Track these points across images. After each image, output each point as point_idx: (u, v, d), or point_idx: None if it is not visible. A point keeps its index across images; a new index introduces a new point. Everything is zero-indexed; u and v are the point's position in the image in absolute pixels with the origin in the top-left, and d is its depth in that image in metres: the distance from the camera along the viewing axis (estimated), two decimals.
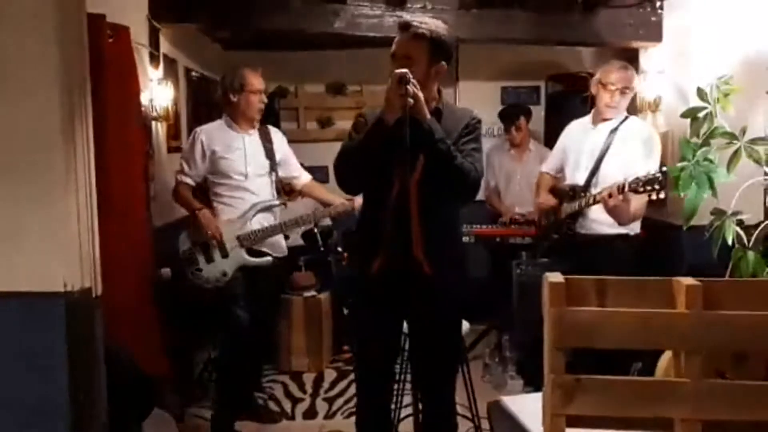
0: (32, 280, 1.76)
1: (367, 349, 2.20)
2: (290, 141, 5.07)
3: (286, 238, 4.21)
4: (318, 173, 5.01)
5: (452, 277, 2.12)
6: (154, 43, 3.48)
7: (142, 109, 3.16)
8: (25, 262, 1.76)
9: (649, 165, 2.75)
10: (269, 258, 3.08)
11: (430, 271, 2.04)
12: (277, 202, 3.17)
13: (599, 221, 2.86)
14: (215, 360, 3.36)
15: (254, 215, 3.05)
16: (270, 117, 4.89)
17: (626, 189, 2.59)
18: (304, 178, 3.35)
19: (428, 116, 1.95)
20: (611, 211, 2.70)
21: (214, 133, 3.05)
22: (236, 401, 3.02)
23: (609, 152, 2.88)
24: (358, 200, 3.11)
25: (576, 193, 2.92)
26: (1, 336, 1.81)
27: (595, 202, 2.76)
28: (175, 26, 3.67)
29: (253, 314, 3.02)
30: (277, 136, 3.23)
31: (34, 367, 1.80)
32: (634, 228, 2.93)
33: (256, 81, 3.04)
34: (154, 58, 3.48)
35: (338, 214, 3.17)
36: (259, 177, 3.08)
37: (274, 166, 3.14)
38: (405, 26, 2.03)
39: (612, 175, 2.81)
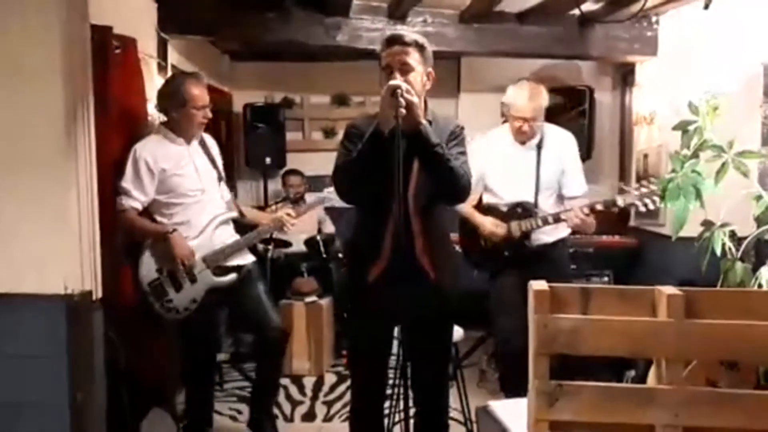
0: (33, 283, 1.82)
1: (364, 354, 2.25)
2: (295, 150, 5.22)
3: (288, 245, 4.29)
4: (322, 182, 5.12)
5: (452, 281, 2.21)
6: (162, 54, 3.57)
7: (149, 118, 3.23)
8: (27, 265, 1.82)
9: (576, 169, 2.98)
10: (234, 275, 2.83)
11: (434, 276, 2.12)
12: (235, 214, 2.95)
13: (542, 231, 2.98)
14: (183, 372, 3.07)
15: (214, 231, 2.82)
16: (278, 126, 5.02)
17: (615, 205, 2.68)
18: (226, 196, 3.03)
19: (423, 122, 2.00)
20: (580, 227, 2.84)
21: (156, 150, 2.74)
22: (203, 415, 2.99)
23: (543, 166, 2.99)
24: (287, 218, 2.95)
25: (526, 210, 2.99)
26: (2, 337, 1.86)
27: (558, 220, 2.90)
28: (183, 38, 3.76)
29: (257, 325, 2.96)
30: (213, 144, 2.98)
31: (34, 367, 1.86)
32: (565, 231, 3.08)
33: (200, 95, 2.77)
34: (162, 69, 3.57)
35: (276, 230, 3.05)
36: (211, 190, 2.86)
37: (220, 175, 2.92)
38: (396, 37, 2.09)
39: (549, 185, 2.98)
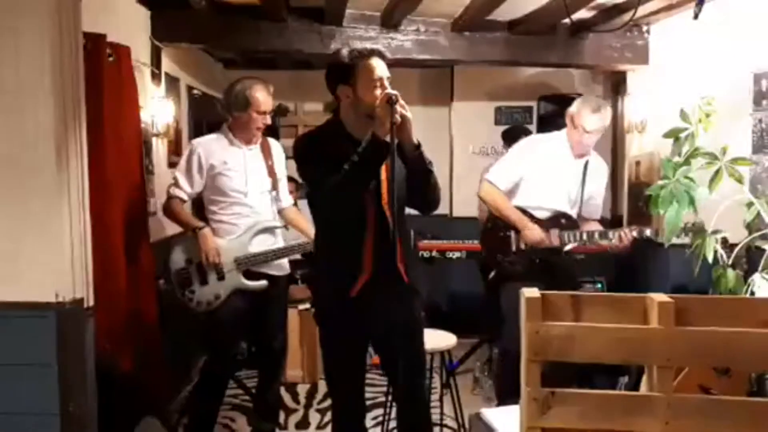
0: (25, 291, 1.81)
1: (346, 370, 2.22)
2: (289, 157, 5.21)
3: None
4: None
5: (419, 282, 2.23)
6: (155, 62, 3.58)
7: (142, 126, 3.23)
8: (18, 273, 1.82)
9: (602, 195, 3.11)
10: (264, 282, 2.87)
11: (407, 279, 2.13)
12: (279, 224, 2.97)
13: None
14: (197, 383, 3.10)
15: (254, 236, 2.85)
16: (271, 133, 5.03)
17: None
18: (286, 202, 3.07)
19: (415, 140, 2.02)
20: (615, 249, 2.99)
21: (212, 147, 2.84)
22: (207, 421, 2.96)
23: (586, 184, 3.05)
24: None
25: (570, 221, 3.04)
26: None
27: (604, 237, 2.99)
28: (176, 46, 3.77)
29: (259, 338, 3.03)
30: (277, 151, 3.01)
31: (25, 376, 1.84)
32: None
33: (263, 101, 2.80)
34: (155, 77, 3.57)
35: None
36: (259, 195, 2.88)
37: (275, 183, 2.94)
38: (381, 52, 2.11)
39: (587, 204, 3.07)
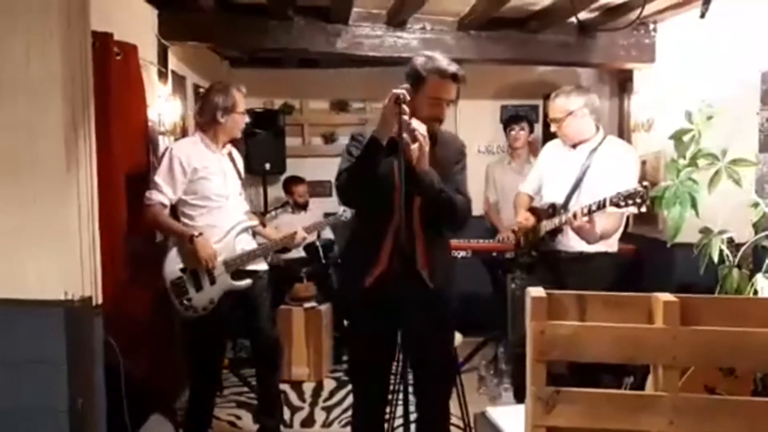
0: (34, 289, 1.83)
1: (363, 361, 2.26)
2: (295, 156, 5.25)
3: (287, 250, 4.31)
4: (321, 187, 5.15)
5: (450, 293, 2.25)
6: (162, 60, 3.59)
7: (149, 124, 3.25)
8: (27, 271, 1.83)
9: (626, 182, 2.74)
10: (250, 280, 2.92)
11: (433, 286, 2.16)
12: (256, 222, 3.09)
13: (577, 238, 2.84)
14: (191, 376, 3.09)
15: (236, 236, 2.92)
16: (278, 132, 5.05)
17: (605, 206, 2.60)
18: (245, 206, 3.14)
19: (427, 167, 2.07)
20: (576, 231, 2.74)
21: (191, 151, 2.84)
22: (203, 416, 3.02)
23: (588, 172, 2.91)
24: (300, 233, 3.12)
25: (555, 210, 2.96)
26: (2, 342, 1.87)
27: (565, 222, 2.83)
28: (183, 44, 3.78)
29: (253, 334, 3.07)
30: (238, 157, 3.09)
31: (34, 373, 1.86)
32: (612, 246, 2.95)
33: (242, 101, 2.94)
34: (162, 75, 3.59)
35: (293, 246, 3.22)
36: (235, 197, 2.96)
37: (243, 185, 3.07)
38: (458, 76, 2.14)
39: (592, 193, 2.82)
